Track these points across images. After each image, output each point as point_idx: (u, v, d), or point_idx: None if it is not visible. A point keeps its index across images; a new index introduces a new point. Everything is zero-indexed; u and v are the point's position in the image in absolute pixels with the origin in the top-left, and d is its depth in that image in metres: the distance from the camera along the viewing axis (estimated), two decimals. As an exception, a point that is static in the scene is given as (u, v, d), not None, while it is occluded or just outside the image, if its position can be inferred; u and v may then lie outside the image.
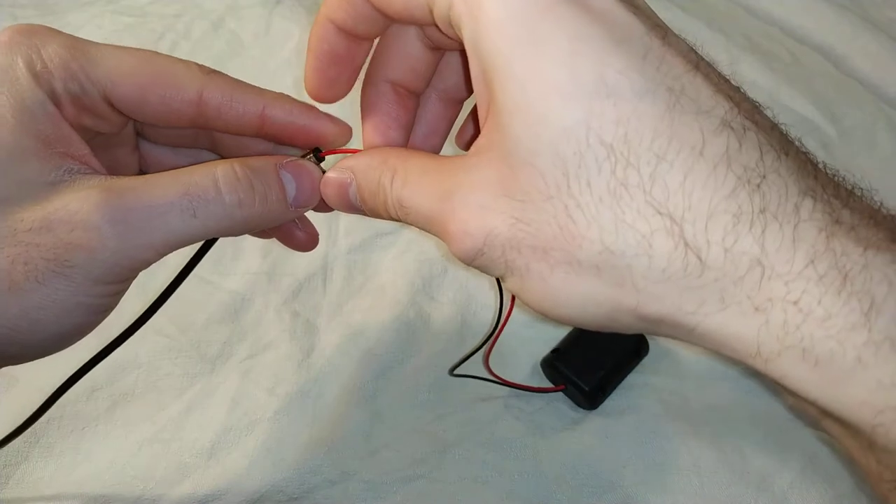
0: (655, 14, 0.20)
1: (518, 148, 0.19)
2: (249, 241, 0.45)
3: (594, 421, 0.38)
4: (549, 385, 0.39)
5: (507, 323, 0.41)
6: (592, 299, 0.19)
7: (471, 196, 0.20)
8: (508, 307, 0.31)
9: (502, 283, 0.22)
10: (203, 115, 0.25)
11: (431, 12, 0.21)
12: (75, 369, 0.29)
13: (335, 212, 0.47)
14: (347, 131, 0.27)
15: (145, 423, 0.37)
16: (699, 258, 0.18)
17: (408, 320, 0.41)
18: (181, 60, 0.25)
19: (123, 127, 0.27)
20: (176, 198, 0.23)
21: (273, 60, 0.57)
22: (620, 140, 0.18)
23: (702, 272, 0.18)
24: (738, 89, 0.20)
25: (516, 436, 0.37)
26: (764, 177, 0.18)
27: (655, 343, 0.40)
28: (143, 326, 0.29)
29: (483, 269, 0.21)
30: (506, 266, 0.20)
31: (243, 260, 0.44)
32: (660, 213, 0.18)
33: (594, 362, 0.37)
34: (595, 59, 0.18)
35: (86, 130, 0.24)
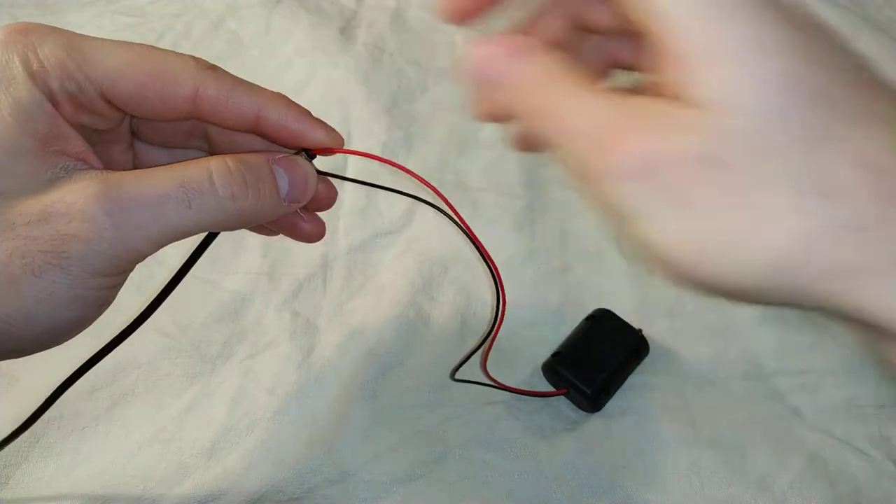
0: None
1: (710, 97, 0.18)
2: (250, 241, 0.45)
3: (594, 421, 0.38)
4: (550, 388, 0.39)
5: (508, 325, 0.41)
6: (786, 229, 0.17)
7: (644, 112, 0.18)
8: (501, 309, 0.32)
9: (643, 227, 0.18)
10: (199, 109, 0.25)
11: None
12: (75, 368, 0.29)
13: (335, 212, 0.47)
14: (339, 139, 0.28)
15: (145, 423, 0.37)
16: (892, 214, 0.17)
17: (408, 320, 0.41)
18: (178, 55, 0.25)
19: (120, 123, 0.27)
20: (171, 190, 0.23)
21: (273, 60, 0.57)
22: (824, 93, 0.18)
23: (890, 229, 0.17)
24: None
25: (516, 436, 0.37)
26: None
27: (655, 343, 0.40)
28: (143, 326, 0.29)
29: (630, 198, 0.18)
30: (670, 188, 0.18)
31: (243, 259, 0.44)
32: (862, 166, 0.17)
33: (595, 365, 0.37)
34: (796, 35, 0.18)
35: (83, 128, 0.25)
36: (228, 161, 0.24)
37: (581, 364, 0.37)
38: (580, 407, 0.38)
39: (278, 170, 0.26)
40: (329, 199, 0.31)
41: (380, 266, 0.44)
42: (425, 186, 0.30)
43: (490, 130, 0.52)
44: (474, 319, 0.42)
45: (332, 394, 0.38)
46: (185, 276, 0.28)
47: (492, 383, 0.37)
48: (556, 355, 0.38)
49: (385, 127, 0.51)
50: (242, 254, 0.44)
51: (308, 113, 0.27)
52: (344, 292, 0.43)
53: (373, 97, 0.53)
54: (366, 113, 0.52)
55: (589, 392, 0.36)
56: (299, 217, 0.31)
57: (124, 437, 0.37)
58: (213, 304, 0.42)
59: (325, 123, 0.27)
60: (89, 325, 0.24)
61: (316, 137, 0.27)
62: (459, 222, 0.30)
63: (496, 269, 0.32)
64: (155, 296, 0.28)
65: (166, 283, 0.28)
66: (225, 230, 0.26)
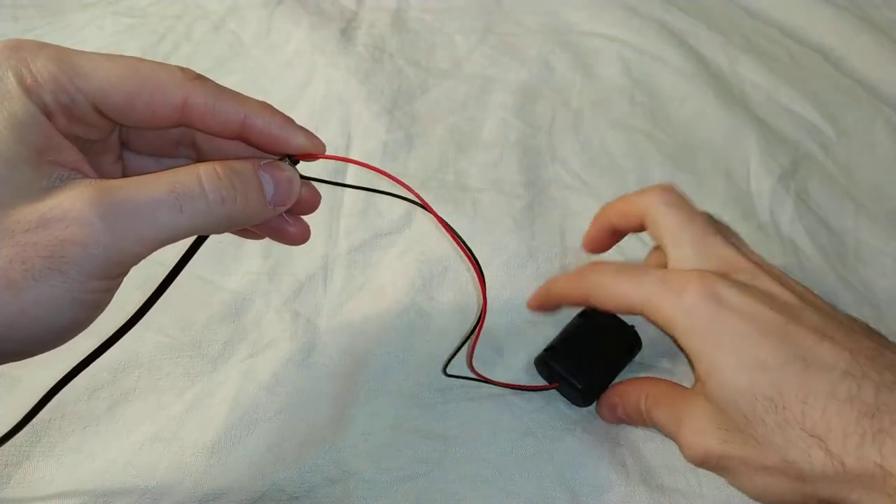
0: (806, 291, 0.31)
1: (714, 400, 0.29)
2: (250, 242, 0.45)
3: (594, 420, 0.38)
4: (543, 383, 0.39)
5: (507, 324, 0.41)
6: (786, 489, 0.28)
7: (693, 424, 0.31)
8: (483, 307, 0.33)
9: (725, 479, 0.30)
10: (186, 118, 0.26)
11: (641, 310, 0.32)
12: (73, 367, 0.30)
13: (335, 213, 0.47)
14: (321, 145, 0.29)
15: (146, 423, 0.37)
16: (842, 464, 0.26)
17: (408, 320, 0.42)
18: (165, 66, 0.26)
19: (111, 133, 0.28)
20: (163, 195, 0.24)
21: (274, 61, 0.57)
22: (776, 393, 0.28)
23: (845, 472, 0.26)
24: (867, 334, 0.29)
25: (516, 435, 0.37)
26: (878, 408, 0.26)
27: (652, 341, 0.40)
28: (144, 326, 0.29)
29: (708, 469, 0.31)
30: (723, 469, 0.30)
31: (244, 260, 0.44)
32: (811, 436, 0.27)
33: (587, 360, 0.37)
34: (751, 347, 0.28)
35: (76, 139, 0.25)
36: (217, 167, 0.25)
37: (573, 358, 0.37)
38: (572, 401, 0.38)
39: (264, 175, 0.27)
40: (312, 203, 0.32)
41: (380, 266, 0.44)
42: (410, 185, 0.31)
43: (490, 130, 0.53)
44: (474, 320, 0.42)
45: (332, 393, 0.39)
46: (177, 277, 0.28)
47: (479, 378, 0.38)
48: (548, 350, 0.38)
49: (385, 127, 0.52)
50: (243, 254, 0.45)
51: (291, 120, 0.28)
52: (344, 292, 0.43)
53: (373, 97, 0.53)
54: (366, 113, 0.52)
55: (580, 386, 0.36)
56: (284, 221, 0.32)
57: (125, 437, 0.37)
58: (215, 305, 0.42)
59: (307, 130, 0.28)
60: (86, 327, 0.25)
61: (298, 143, 0.28)
62: (433, 216, 0.31)
63: (475, 265, 0.33)
64: (150, 294, 0.28)
65: (160, 282, 0.28)
66: (215, 233, 0.27)
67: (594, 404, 0.38)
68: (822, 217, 0.48)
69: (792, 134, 0.53)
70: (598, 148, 0.51)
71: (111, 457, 0.36)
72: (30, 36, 0.58)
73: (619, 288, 0.33)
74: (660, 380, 0.35)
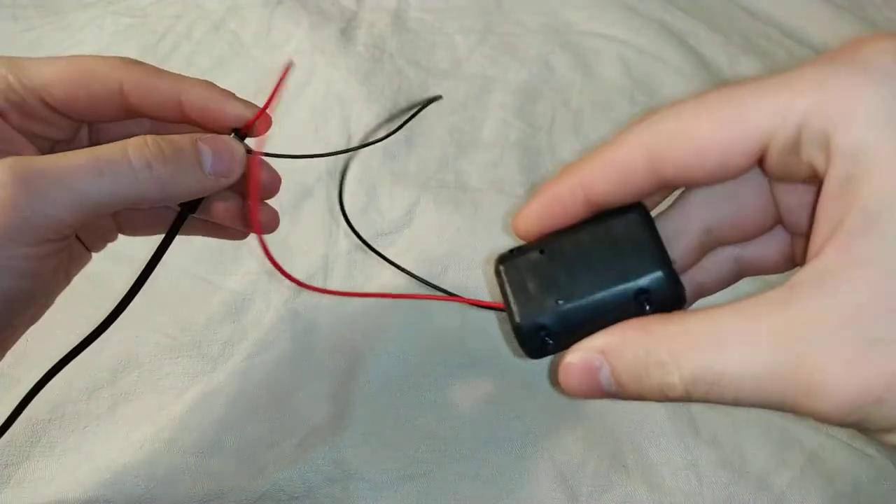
0: None
1: None
2: (250, 242, 0.45)
3: (594, 420, 0.38)
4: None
5: (506, 324, 0.41)
6: None
7: (843, 332, 0.16)
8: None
9: (886, 438, 0.17)
10: (128, 104, 0.28)
11: (762, 151, 0.19)
12: (75, 359, 0.30)
13: (335, 213, 0.47)
14: (264, 115, 0.29)
15: (146, 423, 0.37)
16: None
17: (408, 320, 0.42)
18: (103, 58, 0.27)
19: (75, 132, 0.29)
20: (84, 161, 0.24)
21: (274, 61, 0.57)
22: None
23: None
24: None
25: (516, 435, 0.37)
26: None
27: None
28: (145, 326, 0.29)
29: (866, 423, 0.16)
30: None
31: (244, 260, 0.44)
32: None
33: (565, 286, 0.21)
34: None
35: (37, 137, 0.27)
36: (148, 137, 0.26)
37: (545, 280, 0.21)
38: (517, 342, 0.23)
39: (203, 146, 0.27)
40: (272, 185, 0.32)
41: (380, 266, 0.44)
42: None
43: (490, 130, 0.53)
44: (474, 319, 0.42)
45: (333, 393, 0.39)
46: (161, 258, 0.28)
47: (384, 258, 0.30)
48: (517, 250, 0.23)
49: (385, 127, 0.52)
50: (243, 254, 0.45)
51: (231, 94, 0.29)
52: (344, 292, 0.43)
53: (373, 97, 0.53)
54: (366, 113, 0.52)
55: (519, 320, 0.22)
56: (248, 209, 0.32)
57: (125, 437, 0.37)
58: (215, 305, 0.42)
59: (247, 101, 0.29)
60: (32, 300, 0.26)
61: (236, 112, 0.29)
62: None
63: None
64: (134, 280, 0.28)
65: (143, 268, 0.28)
66: (152, 202, 0.26)
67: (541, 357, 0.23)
68: (823, 217, 0.48)
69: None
70: (599, 148, 0.51)
71: (111, 457, 0.36)
72: (30, 35, 0.58)
73: (726, 105, 0.19)
74: (673, 313, 0.20)
